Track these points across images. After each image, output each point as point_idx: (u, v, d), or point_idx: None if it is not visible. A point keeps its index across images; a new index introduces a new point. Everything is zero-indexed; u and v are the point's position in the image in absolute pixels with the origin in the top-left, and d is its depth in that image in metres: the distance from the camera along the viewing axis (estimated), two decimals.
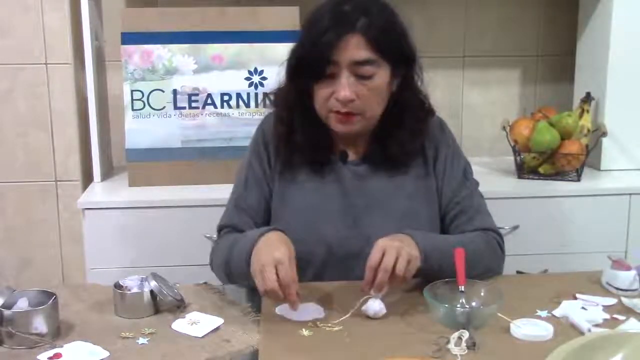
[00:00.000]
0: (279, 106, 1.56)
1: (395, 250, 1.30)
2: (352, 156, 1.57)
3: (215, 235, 1.63)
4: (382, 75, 1.44)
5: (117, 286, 1.36)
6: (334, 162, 1.56)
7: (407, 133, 1.52)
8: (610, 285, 1.42)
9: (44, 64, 2.32)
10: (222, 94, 2.18)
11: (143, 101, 2.15)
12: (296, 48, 1.48)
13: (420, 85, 1.54)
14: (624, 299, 1.37)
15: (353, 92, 1.41)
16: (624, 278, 1.40)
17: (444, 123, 1.63)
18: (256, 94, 2.16)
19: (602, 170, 2.34)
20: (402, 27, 1.48)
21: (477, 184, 1.62)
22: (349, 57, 1.40)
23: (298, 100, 1.50)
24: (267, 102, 1.64)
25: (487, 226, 1.56)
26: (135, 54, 2.13)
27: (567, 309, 1.32)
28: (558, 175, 2.25)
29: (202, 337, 1.25)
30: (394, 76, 1.48)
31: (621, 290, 1.40)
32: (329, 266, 1.50)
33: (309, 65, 1.43)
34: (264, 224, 1.55)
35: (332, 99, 1.44)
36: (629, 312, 1.33)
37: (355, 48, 1.40)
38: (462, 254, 1.36)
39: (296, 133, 1.52)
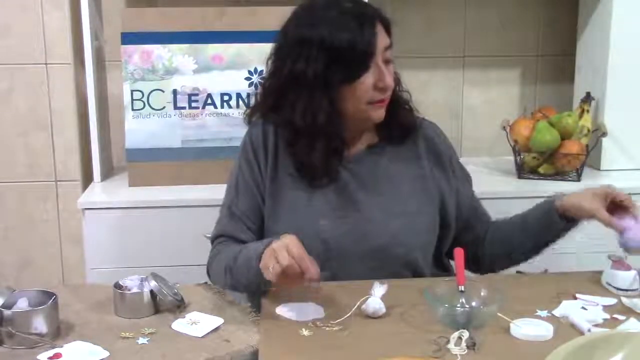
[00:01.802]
0: (299, 115, 1.49)
1: None
2: (347, 152, 1.56)
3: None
4: None
5: (117, 286, 1.36)
6: None
7: (400, 110, 1.57)
8: (610, 285, 1.42)
9: (44, 64, 2.32)
10: (222, 94, 2.18)
11: (143, 101, 2.15)
12: (319, 55, 1.45)
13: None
14: (624, 299, 1.37)
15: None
16: (624, 278, 1.40)
17: (436, 125, 1.66)
18: (256, 94, 2.16)
19: (602, 170, 2.34)
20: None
21: None
22: (382, 45, 1.47)
23: (329, 106, 1.47)
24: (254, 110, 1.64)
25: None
26: (135, 54, 2.13)
27: (567, 309, 1.33)
28: (558, 175, 2.26)
29: (202, 337, 1.26)
30: None
31: (621, 290, 1.40)
32: (328, 264, 1.49)
33: (352, 63, 1.45)
34: (259, 230, 1.56)
35: (373, 91, 1.47)
36: (629, 312, 1.33)
37: (382, 35, 1.48)
38: (462, 254, 1.36)
39: (317, 140, 1.50)
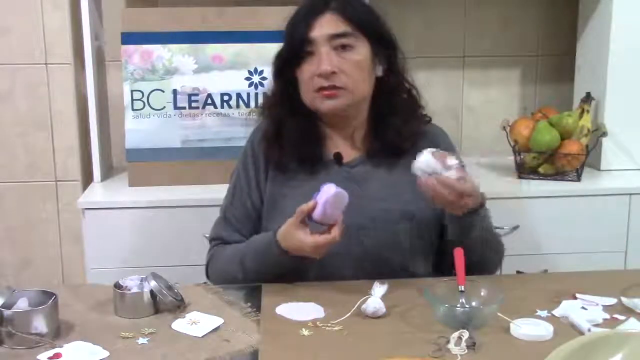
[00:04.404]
0: (268, 105, 1.60)
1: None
2: (347, 158, 1.57)
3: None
4: (361, 50, 1.50)
5: (117, 286, 1.36)
6: (328, 166, 1.56)
7: (399, 118, 1.56)
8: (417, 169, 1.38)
9: (44, 64, 2.32)
10: (222, 94, 2.18)
11: (143, 101, 2.15)
12: (280, 48, 1.56)
13: (406, 73, 1.59)
14: (623, 299, 1.36)
15: (334, 66, 1.47)
16: (421, 159, 1.37)
17: (449, 136, 1.66)
18: (256, 94, 2.16)
19: (602, 170, 2.34)
20: (377, 11, 1.57)
21: None
22: (325, 32, 1.48)
23: (285, 95, 1.55)
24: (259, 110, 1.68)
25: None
26: (135, 54, 2.14)
27: (567, 309, 1.32)
28: (558, 175, 2.26)
29: (202, 337, 1.25)
30: (375, 58, 1.53)
31: (421, 170, 1.36)
32: (330, 269, 1.49)
33: (290, 53, 1.51)
34: (253, 233, 1.57)
35: (315, 78, 1.48)
36: (629, 312, 1.33)
37: (330, 24, 1.49)
38: (462, 254, 1.36)
39: (285, 129, 1.55)
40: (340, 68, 1.47)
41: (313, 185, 1.52)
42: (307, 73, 1.49)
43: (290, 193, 1.55)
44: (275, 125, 1.57)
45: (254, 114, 1.69)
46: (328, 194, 1.35)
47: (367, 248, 1.50)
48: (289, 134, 1.55)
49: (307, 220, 1.39)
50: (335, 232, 1.37)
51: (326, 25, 1.48)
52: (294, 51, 1.50)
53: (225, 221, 1.61)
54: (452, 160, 1.37)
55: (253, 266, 1.49)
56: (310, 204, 1.37)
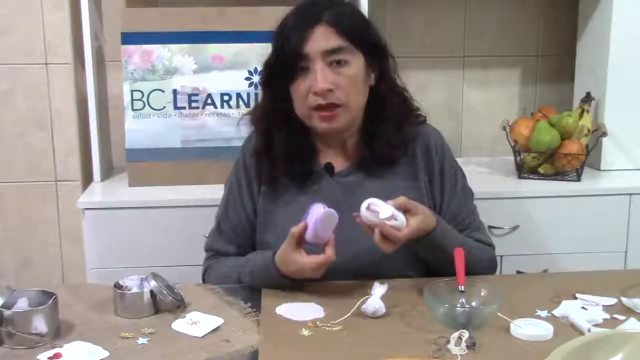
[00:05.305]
0: (257, 117, 1.57)
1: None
2: (338, 167, 1.56)
3: None
4: (356, 64, 1.47)
5: (117, 286, 1.36)
6: (320, 176, 1.55)
7: (390, 125, 1.53)
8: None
9: (44, 64, 2.32)
10: (222, 94, 2.18)
11: (143, 101, 2.15)
12: (269, 56, 1.52)
13: (397, 78, 1.57)
14: (623, 299, 1.36)
15: (330, 82, 1.43)
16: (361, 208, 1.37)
17: (443, 138, 1.62)
18: (256, 94, 2.16)
19: (602, 170, 2.34)
20: (367, 18, 1.54)
21: (472, 194, 1.62)
22: (319, 48, 1.43)
23: (275, 109, 1.52)
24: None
25: (488, 242, 1.59)
26: (135, 54, 2.14)
27: (567, 309, 1.33)
28: (558, 175, 2.26)
29: (202, 337, 1.26)
30: (369, 68, 1.50)
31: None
32: (325, 277, 1.48)
33: (282, 66, 1.46)
34: (249, 242, 1.57)
35: (311, 95, 1.45)
36: (629, 312, 1.33)
37: (324, 38, 1.44)
38: (462, 254, 1.36)
39: (276, 143, 1.53)
40: (336, 84, 1.44)
41: (305, 198, 1.51)
42: (302, 89, 1.45)
43: (282, 205, 1.54)
44: (264, 139, 1.54)
45: (243, 120, 1.65)
46: (317, 215, 1.35)
47: (360, 260, 1.49)
48: (280, 149, 1.52)
49: (303, 243, 1.39)
50: (330, 252, 1.36)
51: (320, 39, 1.43)
52: (287, 65, 1.46)
53: (219, 232, 1.60)
54: (384, 214, 1.36)
55: (250, 283, 1.49)
56: (301, 225, 1.37)
